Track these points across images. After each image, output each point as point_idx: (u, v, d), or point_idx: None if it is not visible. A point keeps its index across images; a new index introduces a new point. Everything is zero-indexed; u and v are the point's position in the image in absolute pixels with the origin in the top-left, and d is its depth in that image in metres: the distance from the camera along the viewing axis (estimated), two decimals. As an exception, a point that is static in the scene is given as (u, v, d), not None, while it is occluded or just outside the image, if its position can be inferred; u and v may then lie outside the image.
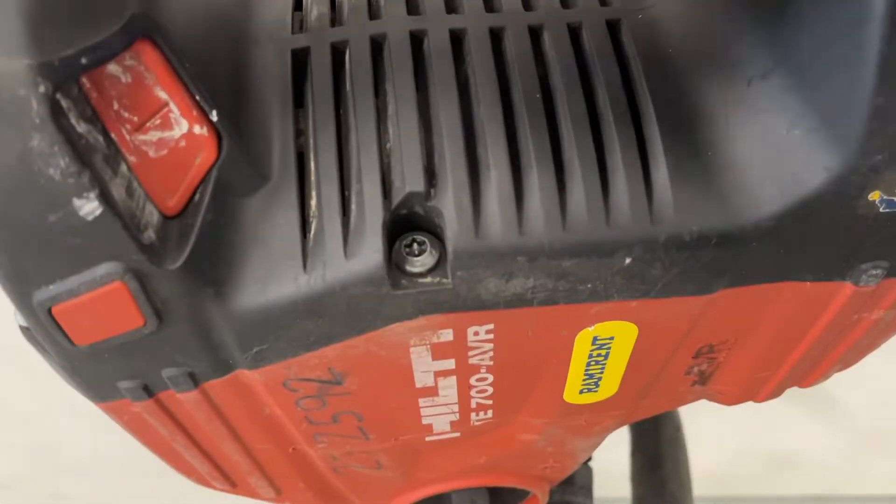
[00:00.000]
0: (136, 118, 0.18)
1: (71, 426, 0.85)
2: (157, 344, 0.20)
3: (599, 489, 0.48)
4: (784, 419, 0.87)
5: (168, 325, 0.20)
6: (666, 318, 0.22)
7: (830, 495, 0.98)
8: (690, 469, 0.54)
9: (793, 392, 0.31)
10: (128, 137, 0.18)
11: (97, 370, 0.21)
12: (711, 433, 0.87)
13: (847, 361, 0.27)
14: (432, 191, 0.20)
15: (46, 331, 0.20)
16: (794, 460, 0.94)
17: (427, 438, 0.28)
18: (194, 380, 0.22)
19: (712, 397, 0.29)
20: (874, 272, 0.21)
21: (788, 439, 0.90)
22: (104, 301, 0.19)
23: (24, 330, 0.22)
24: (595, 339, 0.23)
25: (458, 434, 0.28)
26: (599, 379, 0.25)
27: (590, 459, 0.48)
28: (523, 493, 0.36)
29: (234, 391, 0.23)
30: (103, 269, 0.18)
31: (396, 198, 0.20)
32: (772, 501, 0.99)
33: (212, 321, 0.20)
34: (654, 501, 0.50)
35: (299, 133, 0.21)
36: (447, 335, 0.21)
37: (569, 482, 0.46)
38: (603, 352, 0.23)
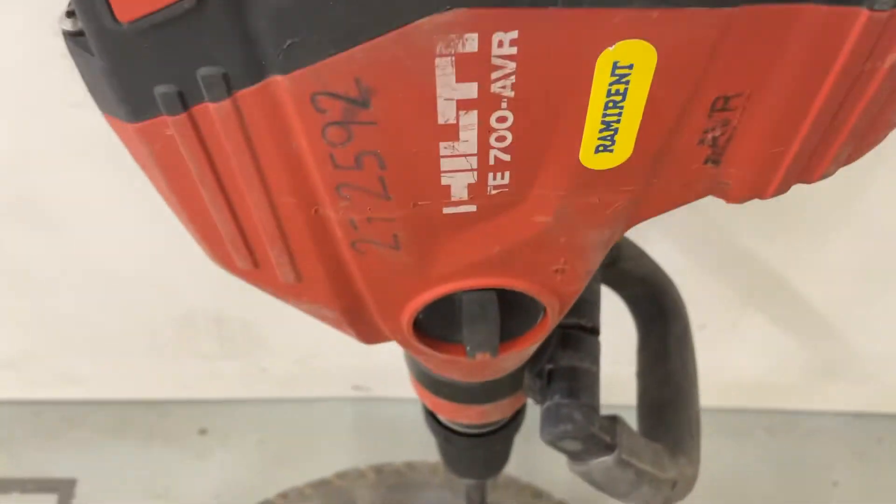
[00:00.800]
0: None
1: (81, 303, 0.86)
2: (195, 27, 0.21)
3: (606, 396, 0.49)
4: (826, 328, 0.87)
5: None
6: (685, 39, 0.23)
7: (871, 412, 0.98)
8: (697, 367, 0.55)
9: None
10: None
11: (138, 67, 0.22)
12: (750, 341, 0.88)
13: (858, 141, 0.28)
14: None
15: (91, 5, 0.21)
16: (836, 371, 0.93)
17: (444, 210, 0.28)
18: (228, 85, 0.23)
19: (721, 189, 0.30)
20: (886, -3, 0.22)
21: (830, 349, 0.90)
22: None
23: (68, 36, 0.23)
24: (615, 65, 0.23)
25: (474, 207, 0.29)
26: (615, 132, 0.26)
27: (598, 334, 0.49)
28: (534, 316, 0.37)
29: (264, 104, 0.24)
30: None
31: None
32: (811, 416, 0.98)
33: (248, 1, 0.21)
34: (659, 391, 0.51)
35: None
36: (472, 43, 0.22)
37: (577, 348, 0.47)
38: (621, 87, 0.24)
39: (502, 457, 0.59)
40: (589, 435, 0.43)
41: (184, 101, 0.23)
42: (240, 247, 0.30)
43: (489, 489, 0.79)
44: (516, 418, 0.54)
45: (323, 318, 0.36)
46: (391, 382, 1.00)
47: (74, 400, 1.01)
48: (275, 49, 0.22)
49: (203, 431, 1.00)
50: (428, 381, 0.47)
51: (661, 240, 0.69)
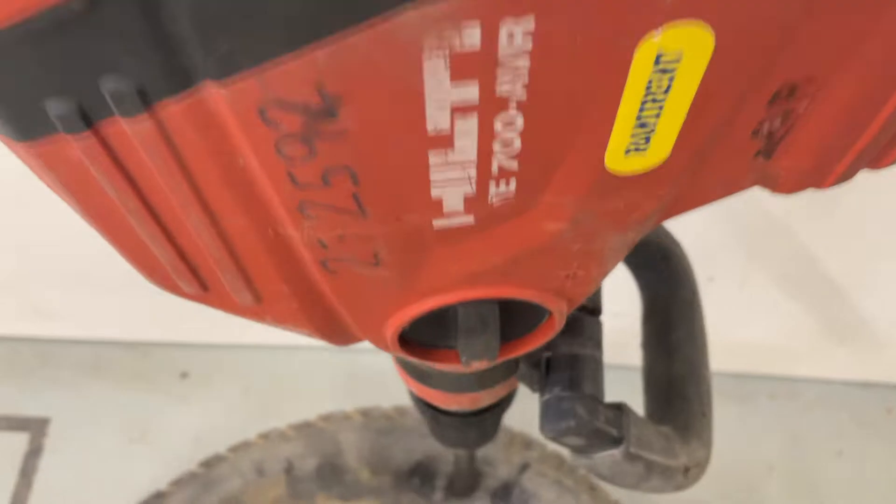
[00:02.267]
0: None
1: (55, 237, 0.80)
2: (91, 32, 0.15)
3: (609, 356, 0.45)
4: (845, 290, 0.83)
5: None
6: (757, 19, 0.17)
7: (880, 382, 0.95)
8: (707, 335, 0.51)
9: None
10: None
11: (22, 77, 0.16)
12: (758, 300, 0.84)
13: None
14: None
15: None
16: (845, 338, 0.90)
17: (436, 224, 0.23)
18: (143, 96, 0.17)
19: (771, 180, 0.25)
20: None
21: (839, 314, 0.87)
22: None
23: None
24: (659, 56, 0.18)
25: (471, 219, 0.23)
26: (653, 131, 0.20)
27: (600, 313, 0.44)
28: (537, 319, 0.32)
29: (196, 120, 0.18)
30: None
31: None
32: (817, 383, 0.96)
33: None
34: (666, 365, 0.47)
35: None
36: (473, 36, 0.16)
37: (577, 333, 0.42)
38: (665, 82, 0.18)
39: (493, 429, 0.55)
40: (593, 430, 0.39)
41: (86, 117, 0.17)
42: (182, 272, 0.24)
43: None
44: (510, 396, 0.50)
45: (292, 331, 0.30)
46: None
47: (49, 337, 0.97)
48: (203, 53, 0.16)
49: (185, 375, 0.97)
50: (415, 372, 0.43)
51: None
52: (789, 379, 0.94)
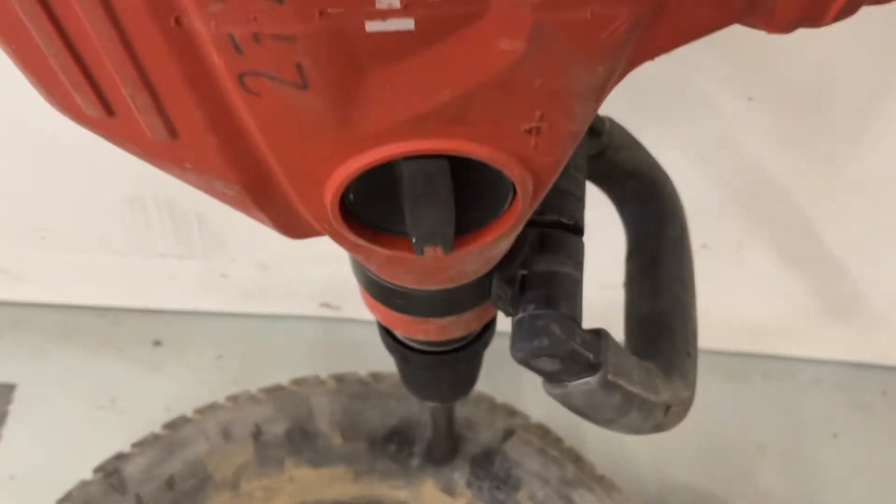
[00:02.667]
0: None
1: (25, 196, 0.76)
2: None
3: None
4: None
5: None
6: None
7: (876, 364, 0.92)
8: (695, 275, 0.47)
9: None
10: None
11: None
12: (752, 272, 0.80)
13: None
14: None
15: None
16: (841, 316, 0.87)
17: (368, 25, 0.20)
18: None
19: (765, 13, 0.21)
20: None
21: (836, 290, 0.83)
22: None
23: None
24: None
25: (411, 23, 0.20)
26: None
27: (581, 233, 0.41)
28: (500, 199, 0.28)
29: None
30: None
31: None
32: (812, 363, 0.92)
33: None
34: (651, 302, 0.43)
35: None
36: None
37: (556, 251, 0.39)
38: None
39: (469, 378, 0.52)
40: (569, 351, 0.35)
41: None
42: (80, 83, 0.21)
43: (459, 405, 0.72)
44: (484, 334, 0.47)
45: (223, 197, 0.27)
46: (362, 303, 0.92)
47: (17, 301, 0.94)
48: None
49: (157, 343, 0.94)
50: (377, 289, 0.39)
51: (658, 143, 0.60)
52: (784, 358, 0.91)
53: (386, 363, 0.52)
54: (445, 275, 0.35)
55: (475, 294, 0.39)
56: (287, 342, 0.94)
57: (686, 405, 0.41)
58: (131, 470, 0.72)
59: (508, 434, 0.74)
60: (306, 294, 0.92)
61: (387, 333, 0.47)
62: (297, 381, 0.77)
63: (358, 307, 0.94)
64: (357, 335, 0.94)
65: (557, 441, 0.74)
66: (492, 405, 0.76)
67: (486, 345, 0.48)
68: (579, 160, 0.43)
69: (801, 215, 0.75)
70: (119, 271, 0.89)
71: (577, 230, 0.40)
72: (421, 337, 0.45)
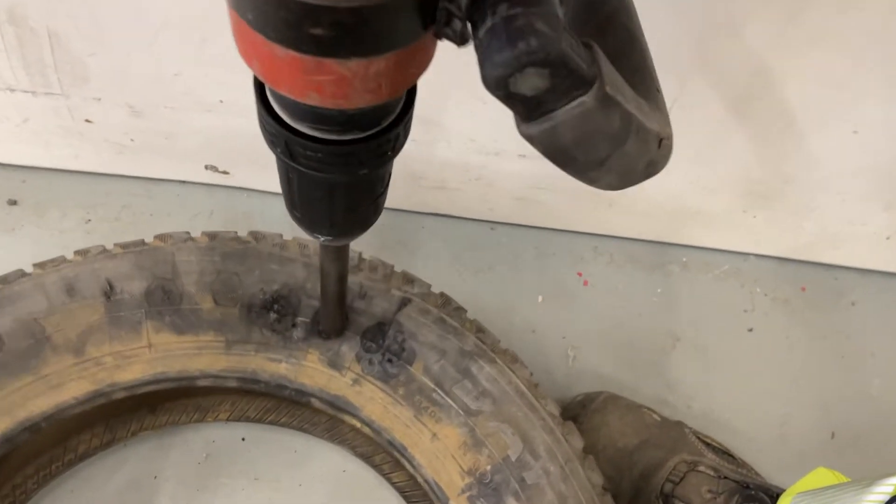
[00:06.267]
0: None
1: None
2: None
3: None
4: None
5: None
6: None
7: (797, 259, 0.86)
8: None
9: None
10: None
11: None
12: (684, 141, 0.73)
13: None
14: None
15: None
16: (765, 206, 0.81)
17: None
18: None
19: None
20: None
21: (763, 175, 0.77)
22: None
23: None
24: None
25: None
26: None
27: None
28: None
29: None
30: None
31: None
32: (732, 255, 0.87)
33: None
34: (604, 39, 0.35)
35: None
36: None
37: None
38: None
39: (370, 198, 0.42)
40: (560, 55, 0.27)
41: None
42: None
43: (352, 273, 0.62)
44: (394, 128, 0.37)
45: None
46: (256, 169, 0.80)
47: None
48: None
49: (13, 202, 0.83)
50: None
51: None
52: (704, 249, 0.86)
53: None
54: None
55: (401, 18, 0.29)
56: (167, 209, 0.82)
57: (672, 142, 0.34)
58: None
59: (404, 302, 0.65)
60: (189, 151, 0.80)
61: (268, 114, 0.36)
62: (161, 237, 0.66)
63: (251, 174, 0.83)
64: (246, 205, 0.83)
65: (459, 310, 0.66)
66: (388, 272, 0.67)
67: (395, 146, 0.38)
68: None
69: (748, 60, 0.68)
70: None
71: None
72: (309, 97, 0.34)
